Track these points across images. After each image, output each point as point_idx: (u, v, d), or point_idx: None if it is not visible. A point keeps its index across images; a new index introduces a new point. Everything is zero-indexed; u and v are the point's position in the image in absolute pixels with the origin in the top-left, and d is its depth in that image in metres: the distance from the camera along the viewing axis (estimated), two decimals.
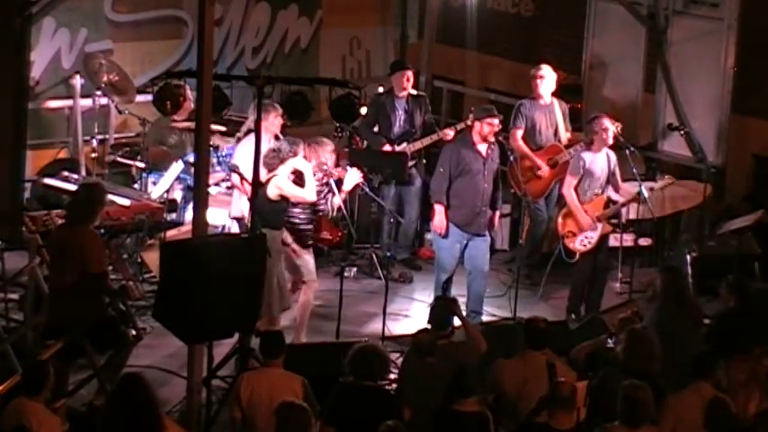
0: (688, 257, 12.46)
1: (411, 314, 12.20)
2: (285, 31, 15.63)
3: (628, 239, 12.89)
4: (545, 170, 12.89)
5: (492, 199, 11.84)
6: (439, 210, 11.76)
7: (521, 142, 12.95)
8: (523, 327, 9.34)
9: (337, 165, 11.87)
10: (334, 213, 11.23)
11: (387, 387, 9.29)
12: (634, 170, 12.37)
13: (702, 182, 13.33)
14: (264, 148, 10.60)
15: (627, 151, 12.59)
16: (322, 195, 11.27)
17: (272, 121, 11.56)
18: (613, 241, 13.05)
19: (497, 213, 12.05)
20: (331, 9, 15.88)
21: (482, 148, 11.73)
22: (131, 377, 8.11)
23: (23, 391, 8.34)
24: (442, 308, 9.89)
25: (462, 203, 11.73)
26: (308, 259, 11.24)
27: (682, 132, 13.68)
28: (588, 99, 14.61)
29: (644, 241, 13.32)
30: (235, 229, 12.00)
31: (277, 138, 11.83)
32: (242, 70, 15.02)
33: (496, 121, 11.71)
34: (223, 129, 12.90)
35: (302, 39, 15.77)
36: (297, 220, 11.12)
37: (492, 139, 11.72)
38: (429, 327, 10.52)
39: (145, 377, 8.05)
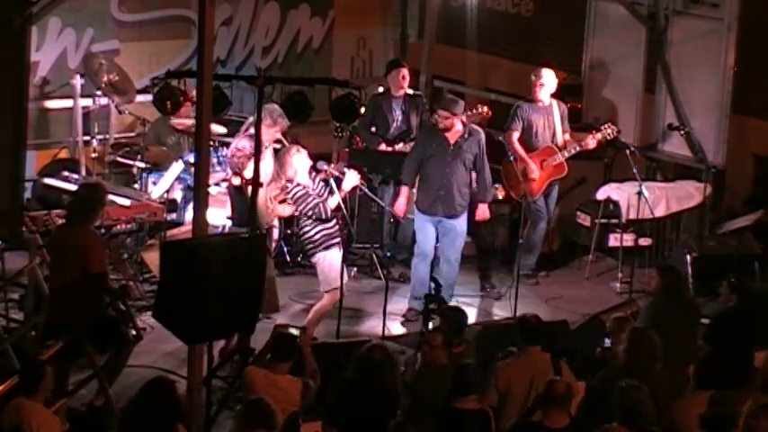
0: (688, 257, 12.46)
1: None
2: (297, 32, 15.63)
3: (628, 239, 12.88)
4: (536, 174, 12.88)
5: (474, 188, 12.02)
6: (403, 192, 12.10)
7: (516, 144, 12.95)
8: (517, 325, 9.31)
9: (335, 163, 11.86)
10: (329, 214, 11.15)
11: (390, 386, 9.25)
12: (634, 170, 12.34)
13: (702, 182, 13.33)
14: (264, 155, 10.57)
15: (627, 151, 12.59)
16: (323, 197, 11.23)
17: (272, 135, 11.43)
18: (613, 241, 13.06)
19: (482, 206, 12.17)
20: (341, 9, 15.89)
21: (449, 135, 11.85)
22: (161, 381, 8.12)
23: (21, 391, 8.35)
24: (460, 314, 9.79)
25: (426, 187, 11.99)
26: (323, 268, 11.17)
27: (682, 132, 13.67)
28: (588, 99, 14.61)
29: (644, 241, 13.32)
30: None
31: (277, 142, 11.83)
32: (251, 70, 14.86)
33: (446, 113, 11.83)
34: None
35: (315, 39, 15.78)
36: (306, 235, 11.15)
37: (442, 127, 11.84)
38: (427, 329, 10.53)
39: (174, 384, 8.04)
